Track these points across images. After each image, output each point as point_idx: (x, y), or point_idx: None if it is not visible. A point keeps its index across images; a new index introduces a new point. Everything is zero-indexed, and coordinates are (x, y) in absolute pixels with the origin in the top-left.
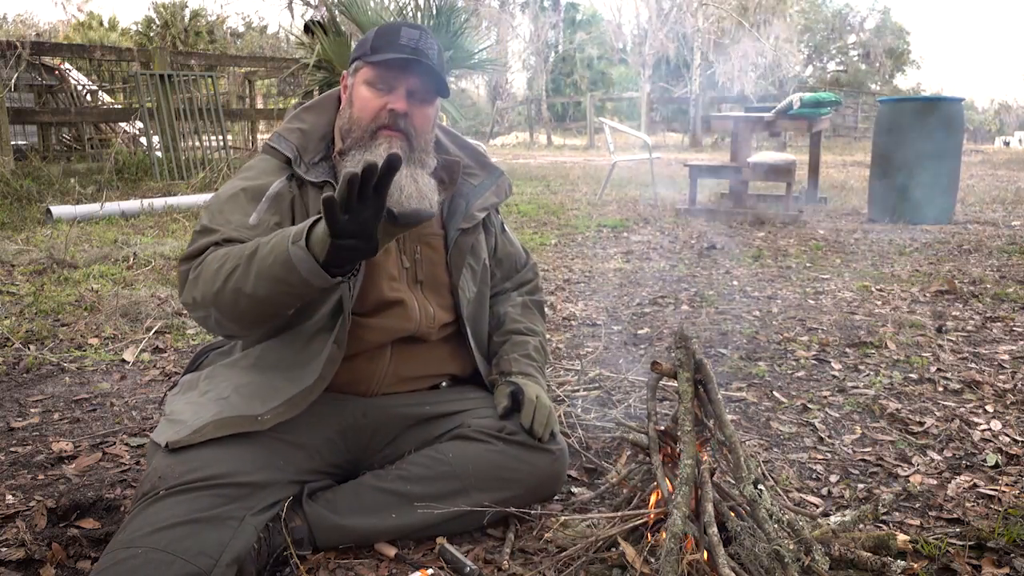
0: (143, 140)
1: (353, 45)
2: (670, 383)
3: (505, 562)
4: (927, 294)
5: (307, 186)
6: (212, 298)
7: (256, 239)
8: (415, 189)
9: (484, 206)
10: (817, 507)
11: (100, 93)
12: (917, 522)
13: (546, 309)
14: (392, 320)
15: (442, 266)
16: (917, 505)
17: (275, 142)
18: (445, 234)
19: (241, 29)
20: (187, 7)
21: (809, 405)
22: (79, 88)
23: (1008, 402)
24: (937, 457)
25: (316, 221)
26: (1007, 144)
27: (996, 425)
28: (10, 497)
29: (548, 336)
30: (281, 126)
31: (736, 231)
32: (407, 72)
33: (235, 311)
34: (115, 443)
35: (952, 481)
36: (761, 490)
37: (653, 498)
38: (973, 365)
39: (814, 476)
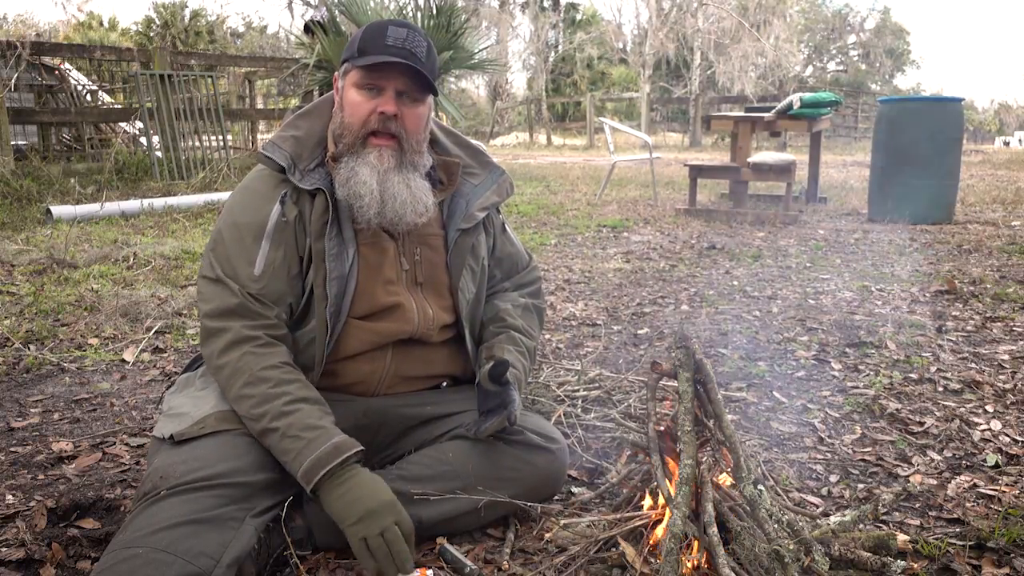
0: (143, 140)
1: None
2: (670, 383)
3: (505, 562)
4: (927, 294)
5: (305, 194)
6: (229, 396)
7: (282, 402)
8: (408, 194)
9: (484, 206)
10: (817, 507)
11: (100, 93)
12: (917, 522)
13: (546, 309)
14: (390, 323)
15: (442, 267)
16: (917, 505)
17: (269, 151)
18: (445, 234)
19: (241, 29)
20: (187, 7)
21: (809, 405)
22: (79, 88)
23: (1008, 402)
24: (937, 457)
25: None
26: (1007, 144)
27: (996, 425)
28: (10, 497)
29: (548, 336)
30: (276, 133)
31: (736, 231)
32: (395, 73)
33: (239, 413)
34: (115, 443)
35: (952, 481)
36: (761, 490)
37: (653, 499)
38: (973, 365)
39: (814, 476)
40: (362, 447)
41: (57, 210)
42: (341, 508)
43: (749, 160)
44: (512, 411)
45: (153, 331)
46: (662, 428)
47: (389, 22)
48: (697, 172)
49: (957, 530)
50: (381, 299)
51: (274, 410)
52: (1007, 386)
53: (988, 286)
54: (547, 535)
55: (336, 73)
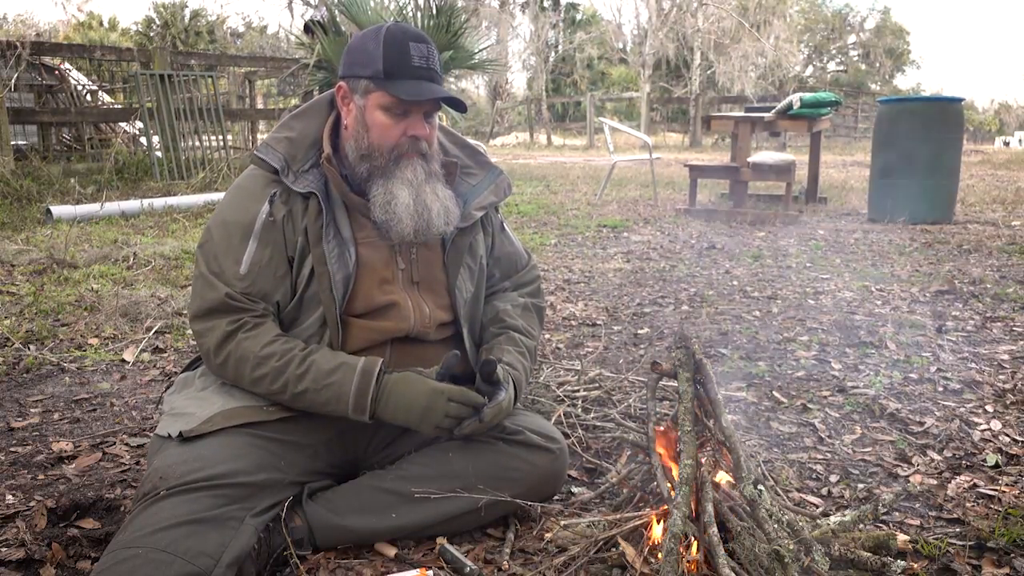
0: (143, 140)
1: None
2: (670, 383)
3: (505, 562)
4: (927, 294)
5: (296, 196)
6: (244, 385)
7: (294, 365)
8: (439, 205)
9: (482, 205)
10: (817, 507)
11: (100, 93)
12: (917, 522)
13: (546, 309)
14: (386, 321)
15: (439, 266)
16: (917, 505)
17: (263, 152)
18: None
19: (241, 29)
20: (187, 7)
21: (809, 405)
22: (79, 88)
23: (1008, 402)
24: (937, 457)
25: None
26: (1007, 144)
27: (996, 425)
28: (10, 497)
29: (548, 336)
30: (270, 134)
31: (736, 231)
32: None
33: (262, 395)
34: (115, 443)
35: (952, 481)
36: (761, 490)
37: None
38: (973, 365)
39: (814, 476)
40: (382, 359)
41: (57, 210)
42: (401, 419)
43: (749, 160)
44: (483, 413)
45: (153, 331)
46: (662, 428)
47: (407, 36)
48: (697, 172)
49: (957, 530)
50: (377, 298)
51: (292, 376)
52: (1007, 386)
53: (988, 286)
54: (547, 535)
55: (343, 83)
